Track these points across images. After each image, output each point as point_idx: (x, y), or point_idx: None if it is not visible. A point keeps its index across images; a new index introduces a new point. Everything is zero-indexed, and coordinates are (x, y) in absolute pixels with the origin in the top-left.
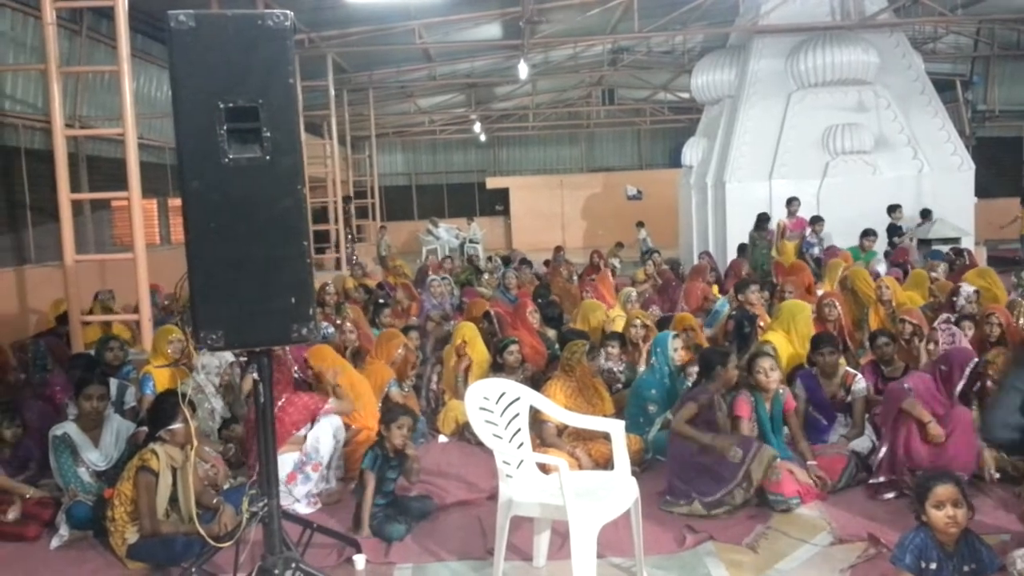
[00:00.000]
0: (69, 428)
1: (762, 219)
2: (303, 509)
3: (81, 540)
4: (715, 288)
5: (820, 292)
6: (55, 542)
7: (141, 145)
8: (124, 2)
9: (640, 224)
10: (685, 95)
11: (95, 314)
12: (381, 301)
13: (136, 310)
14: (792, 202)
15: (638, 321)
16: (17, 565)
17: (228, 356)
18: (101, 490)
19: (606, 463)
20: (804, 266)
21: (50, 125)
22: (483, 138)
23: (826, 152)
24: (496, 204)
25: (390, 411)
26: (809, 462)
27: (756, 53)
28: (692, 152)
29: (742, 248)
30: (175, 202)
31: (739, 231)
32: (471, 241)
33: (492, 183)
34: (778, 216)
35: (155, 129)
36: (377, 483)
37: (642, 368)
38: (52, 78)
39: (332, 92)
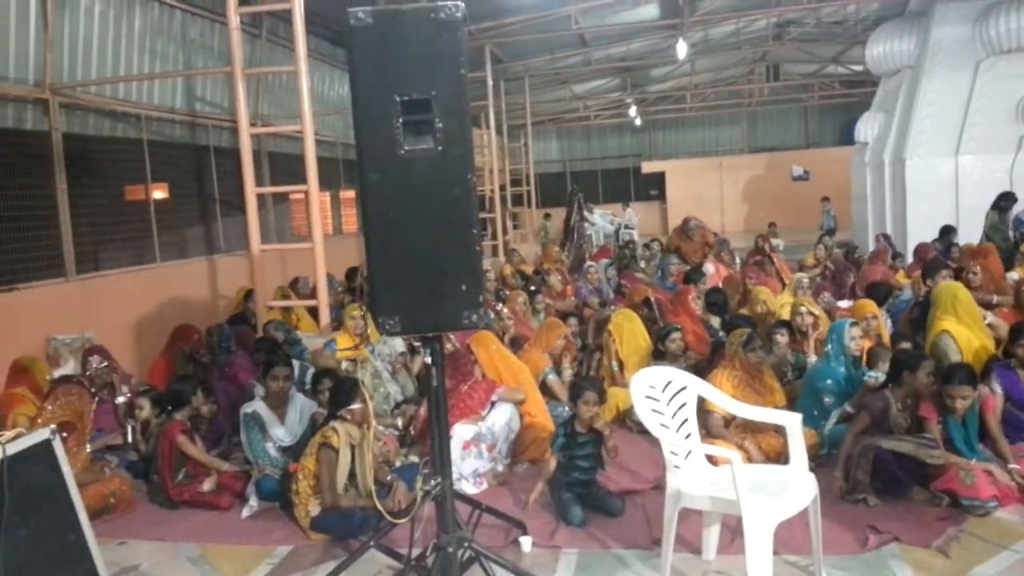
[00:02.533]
0: (258, 406)
1: (1006, 198)
2: (469, 488)
3: (268, 511)
4: (900, 273)
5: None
6: (245, 512)
7: (316, 141)
8: (300, 6)
9: (825, 199)
10: (858, 67)
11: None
12: (533, 288)
13: (314, 295)
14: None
15: (803, 308)
16: (214, 531)
17: (399, 346)
18: (286, 464)
19: (777, 457)
20: (993, 249)
21: (235, 124)
22: (638, 122)
23: (1020, 124)
24: (651, 189)
25: (577, 386)
26: (1011, 465)
27: (939, 19)
28: (867, 128)
29: (946, 230)
30: (347, 194)
31: (920, 211)
32: (626, 227)
33: (648, 167)
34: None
35: (327, 125)
36: (568, 462)
37: (812, 358)
38: (237, 79)
39: (490, 82)
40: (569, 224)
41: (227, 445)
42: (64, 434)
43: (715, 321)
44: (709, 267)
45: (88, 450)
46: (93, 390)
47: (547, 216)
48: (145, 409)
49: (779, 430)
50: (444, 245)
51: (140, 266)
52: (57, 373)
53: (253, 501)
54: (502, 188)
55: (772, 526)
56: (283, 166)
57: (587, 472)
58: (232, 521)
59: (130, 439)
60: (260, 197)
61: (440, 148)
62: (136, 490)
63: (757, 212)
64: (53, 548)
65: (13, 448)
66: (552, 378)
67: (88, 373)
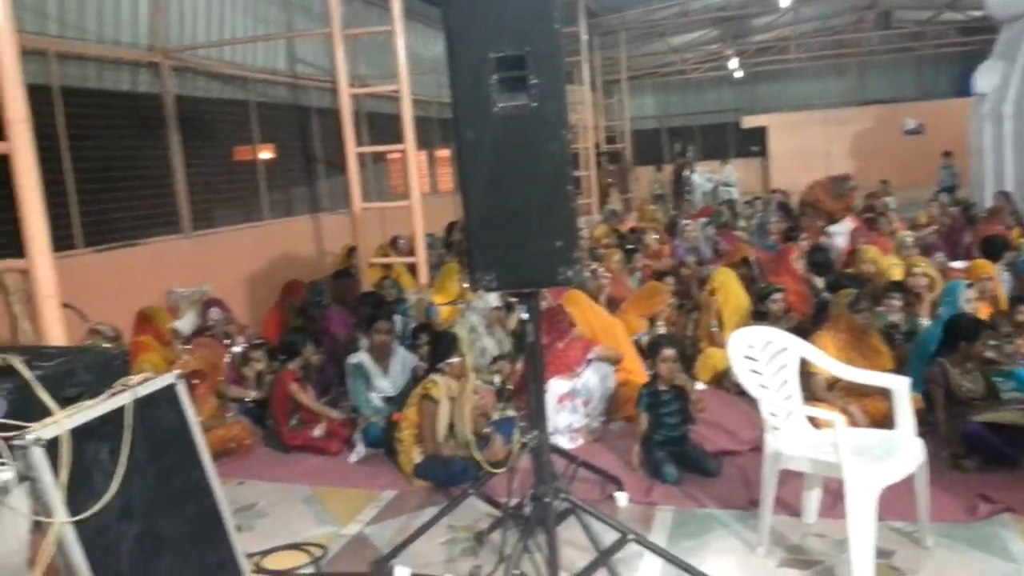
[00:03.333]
0: (363, 358)
1: None
2: (564, 443)
3: (374, 457)
4: (1015, 232)
5: None
6: (353, 457)
7: (412, 100)
8: None
9: (947, 154)
10: (976, 13)
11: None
12: (630, 247)
13: (413, 253)
14: None
15: (918, 270)
16: (324, 474)
17: (493, 301)
18: (390, 413)
19: (882, 421)
20: None
21: (335, 85)
22: (738, 75)
23: None
24: (752, 144)
25: (655, 344)
26: None
27: None
28: (986, 78)
29: None
30: (442, 153)
31: None
32: (725, 184)
33: (748, 122)
34: None
35: (422, 85)
36: (655, 420)
37: (924, 321)
38: (336, 41)
39: (584, 37)
40: (680, 180)
41: (334, 394)
42: (196, 381)
43: (819, 281)
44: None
45: (232, 394)
46: (228, 343)
47: (659, 168)
48: (261, 361)
49: (885, 394)
50: (539, 201)
51: (250, 223)
52: (177, 324)
53: (360, 447)
54: (597, 146)
55: (876, 491)
56: (381, 126)
57: (675, 428)
58: (341, 465)
59: (254, 392)
60: (360, 156)
61: (535, 104)
62: (253, 434)
63: (866, 168)
64: (179, 484)
65: (142, 391)
66: (646, 340)
67: (208, 324)
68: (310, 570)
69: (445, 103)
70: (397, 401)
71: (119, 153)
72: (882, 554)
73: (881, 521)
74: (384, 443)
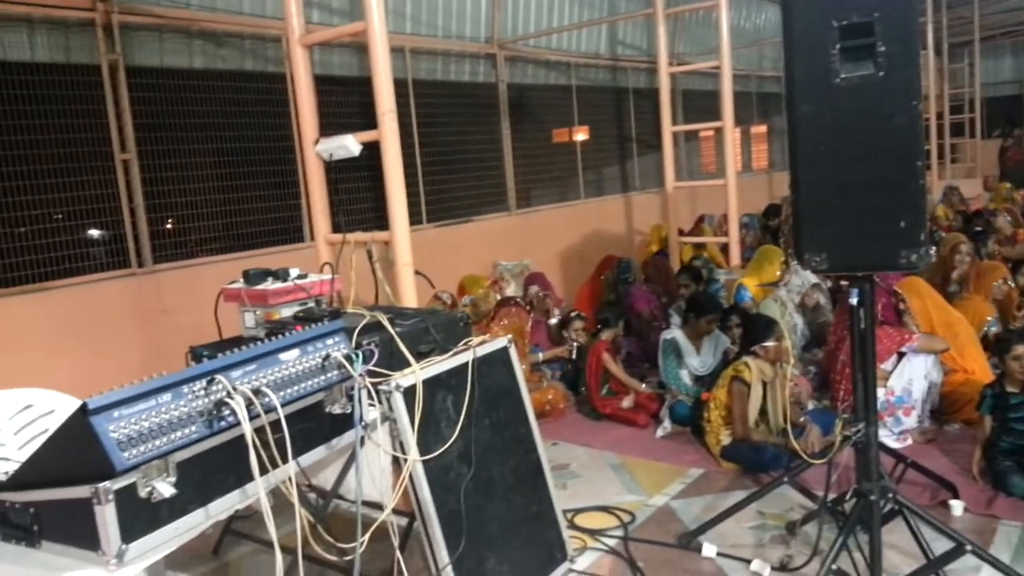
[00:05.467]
0: (677, 334)
1: None
2: (891, 443)
3: (680, 434)
4: None
5: None
6: (659, 432)
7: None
8: None
9: None
10: None
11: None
12: (979, 229)
13: (725, 232)
14: None
15: None
16: (632, 445)
17: (811, 277)
18: (698, 393)
19: None
20: None
21: (653, 64)
22: None
23: None
24: None
25: (1004, 339)
26: None
27: None
28: None
29: None
30: (757, 129)
31: None
32: None
33: None
34: None
35: (742, 59)
36: (1001, 425)
37: None
38: (659, 21)
39: None
40: None
41: (641, 369)
42: None
43: None
44: None
45: (540, 358)
46: (529, 309)
47: None
48: (581, 333)
49: None
50: (882, 178)
51: (566, 202)
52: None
53: (667, 423)
54: (939, 116)
55: None
56: (694, 103)
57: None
58: (647, 439)
59: (573, 355)
60: (673, 135)
61: (881, 74)
62: (567, 399)
63: None
64: (509, 436)
65: (481, 351)
66: (995, 331)
67: (528, 296)
68: (619, 533)
69: (764, 77)
70: (706, 381)
71: (458, 138)
72: None
73: None
74: (690, 422)
